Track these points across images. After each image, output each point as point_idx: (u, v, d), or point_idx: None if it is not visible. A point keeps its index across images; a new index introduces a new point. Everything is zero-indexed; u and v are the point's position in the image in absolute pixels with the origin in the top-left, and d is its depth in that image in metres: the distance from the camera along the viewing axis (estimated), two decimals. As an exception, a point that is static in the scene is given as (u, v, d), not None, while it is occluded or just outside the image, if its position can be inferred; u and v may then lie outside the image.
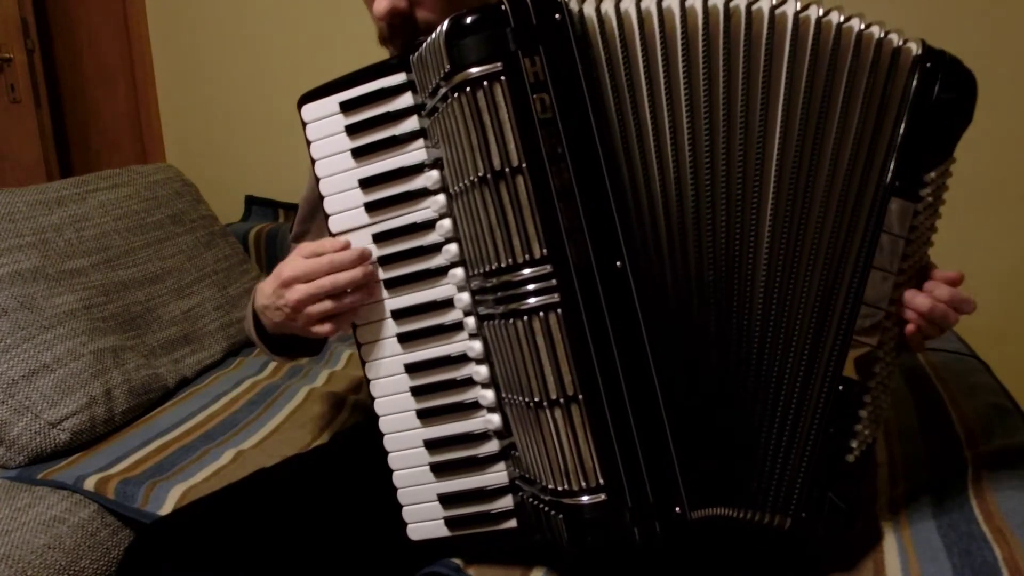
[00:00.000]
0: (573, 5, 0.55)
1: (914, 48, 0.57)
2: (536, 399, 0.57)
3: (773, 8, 0.56)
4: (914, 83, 0.57)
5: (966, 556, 0.61)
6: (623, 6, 0.55)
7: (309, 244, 0.65)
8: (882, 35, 0.57)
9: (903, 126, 0.57)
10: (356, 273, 0.62)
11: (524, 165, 0.54)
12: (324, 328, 0.65)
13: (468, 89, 0.54)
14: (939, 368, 1.06)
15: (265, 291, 0.69)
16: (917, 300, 0.59)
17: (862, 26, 0.56)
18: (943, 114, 0.58)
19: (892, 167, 0.58)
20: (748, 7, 0.56)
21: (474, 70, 0.54)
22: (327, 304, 0.63)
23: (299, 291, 0.64)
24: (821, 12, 0.56)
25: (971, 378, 1.01)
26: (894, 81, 0.57)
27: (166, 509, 0.84)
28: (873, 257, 0.58)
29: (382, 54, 0.72)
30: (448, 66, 0.55)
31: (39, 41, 1.71)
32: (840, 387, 0.59)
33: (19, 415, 0.95)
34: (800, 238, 0.58)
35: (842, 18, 0.56)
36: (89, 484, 0.88)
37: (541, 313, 0.55)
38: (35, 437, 0.95)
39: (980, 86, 0.58)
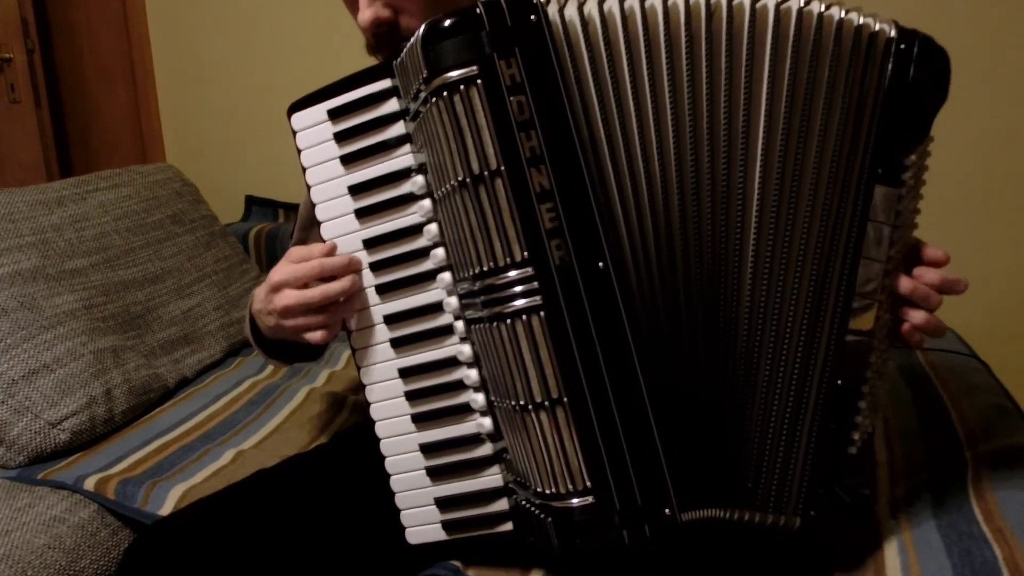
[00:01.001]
0: (550, 7, 0.54)
1: (888, 30, 0.56)
2: (522, 402, 0.56)
3: (754, 2, 0.55)
4: (890, 66, 0.56)
5: (966, 556, 0.61)
6: (605, 6, 0.55)
7: (298, 249, 0.65)
8: (860, 21, 0.56)
9: (881, 111, 0.57)
10: (346, 283, 0.62)
11: (502, 168, 0.54)
12: (315, 336, 0.65)
13: (445, 93, 0.54)
14: (939, 368, 1.05)
15: (259, 296, 0.70)
16: (899, 282, 0.59)
17: (842, 13, 0.56)
18: (920, 95, 0.57)
19: (873, 154, 0.57)
20: (729, 2, 0.55)
21: (451, 74, 0.53)
22: (319, 316, 0.64)
23: (288, 297, 0.64)
24: (802, 2, 0.55)
25: (971, 378, 1.01)
26: (872, 66, 0.56)
27: (166, 509, 0.84)
28: (862, 248, 0.57)
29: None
30: (426, 71, 0.55)
31: (39, 41, 1.71)
32: (839, 381, 0.58)
33: (19, 415, 0.95)
34: (788, 233, 0.57)
35: (823, 7, 0.55)
36: (89, 484, 0.88)
37: (524, 316, 0.55)
38: (35, 437, 0.95)
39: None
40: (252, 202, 1.75)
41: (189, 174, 1.52)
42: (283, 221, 1.69)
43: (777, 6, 0.55)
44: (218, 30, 1.77)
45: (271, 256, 1.57)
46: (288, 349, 0.78)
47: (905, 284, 0.58)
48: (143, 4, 1.82)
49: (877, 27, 0.56)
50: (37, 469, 0.94)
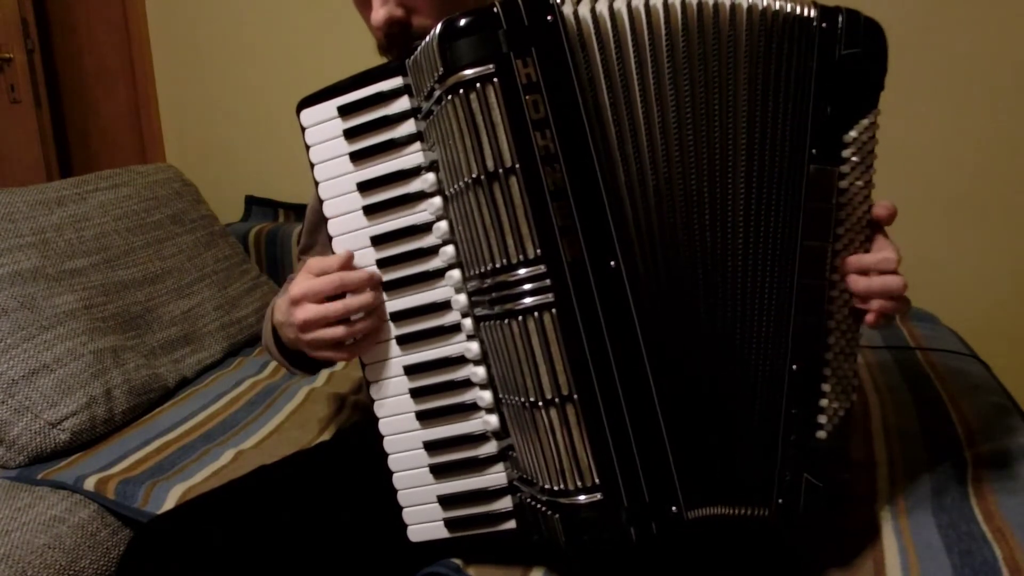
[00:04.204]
0: (566, 7, 0.55)
1: (808, 11, 0.57)
2: (531, 399, 0.57)
3: (734, 2, 0.56)
4: (815, 47, 0.57)
5: (966, 556, 0.61)
6: (615, 5, 0.56)
7: (316, 260, 0.65)
8: (797, 10, 0.57)
9: (812, 92, 0.57)
10: (367, 298, 0.62)
11: (517, 166, 0.54)
12: (333, 354, 0.65)
13: (461, 91, 0.54)
14: (939, 368, 1.06)
15: (280, 307, 0.70)
16: (858, 284, 0.58)
17: (788, 7, 0.57)
18: (851, 71, 0.57)
19: (808, 134, 0.57)
20: (715, 3, 0.56)
21: (467, 72, 0.54)
22: (339, 330, 0.63)
23: (308, 311, 0.63)
24: (764, 1, 0.56)
25: (971, 378, 1.01)
26: (804, 50, 0.57)
27: (166, 509, 0.84)
28: (799, 230, 0.58)
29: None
30: (441, 69, 0.55)
31: (39, 41, 1.71)
32: (793, 367, 0.59)
33: (19, 415, 0.95)
34: (761, 221, 0.58)
35: (776, 4, 0.56)
36: (89, 484, 0.88)
37: (535, 313, 0.55)
38: (35, 437, 0.95)
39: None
40: (252, 202, 1.75)
41: (189, 174, 1.52)
42: (283, 221, 1.69)
43: (750, 6, 0.56)
44: (218, 30, 1.77)
45: (271, 256, 1.57)
46: (310, 359, 0.78)
47: (859, 284, 0.58)
48: (143, 4, 1.81)
49: (803, 12, 0.57)
50: (37, 469, 0.94)
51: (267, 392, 1.15)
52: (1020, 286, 1.39)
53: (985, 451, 0.78)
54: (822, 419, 0.60)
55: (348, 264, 0.64)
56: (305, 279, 0.64)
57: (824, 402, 0.59)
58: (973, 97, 1.32)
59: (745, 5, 0.56)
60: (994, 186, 1.37)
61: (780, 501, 0.60)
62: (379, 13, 0.66)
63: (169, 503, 0.85)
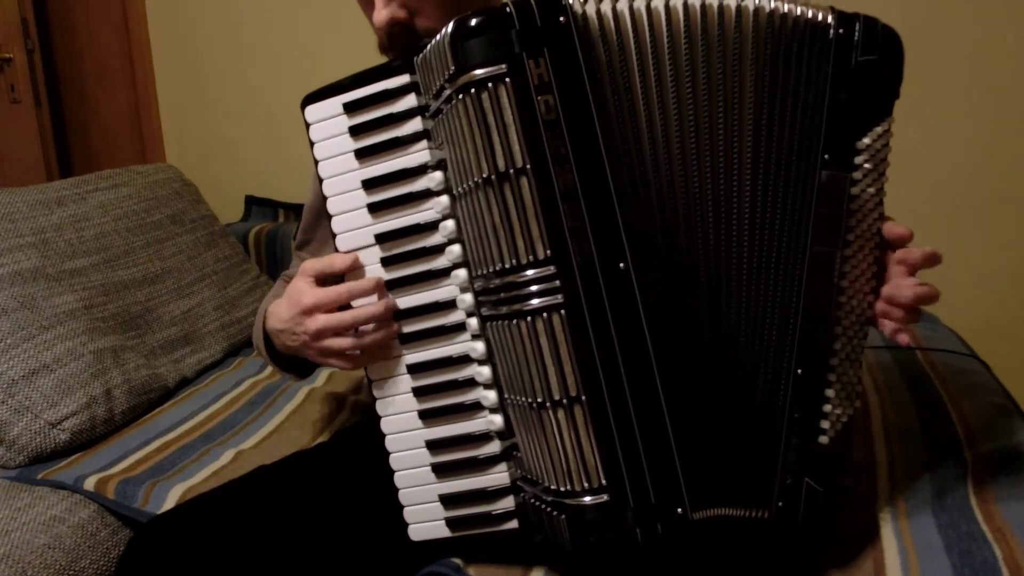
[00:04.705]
0: (577, 7, 0.55)
1: (826, 17, 0.57)
2: (539, 400, 0.57)
3: (739, 4, 0.56)
4: (831, 53, 0.57)
5: (966, 556, 0.61)
6: (636, 5, 0.56)
7: (314, 262, 0.65)
8: (811, 15, 0.57)
9: (826, 97, 0.57)
10: (378, 308, 0.62)
11: (528, 166, 0.54)
12: (340, 364, 0.65)
13: (473, 91, 0.54)
14: (939, 368, 1.06)
15: (281, 316, 0.68)
16: (903, 293, 0.57)
17: (799, 11, 0.57)
18: (867, 78, 0.57)
19: (822, 141, 0.57)
20: (720, 3, 0.56)
21: (479, 72, 0.54)
22: (346, 340, 0.63)
23: (320, 321, 0.63)
24: (771, 4, 0.57)
25: (971, 378, 1.01)
26: (817, 56, 0.57)
27: (166, 509, 0.84)
28: (808, 235, 0.58)
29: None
30: (452, 68, 0.55)
31: (39, 41, 1.71)
32: (799, 371, 0.59)
33: (19, 415, 0.95)
34: (767, 225, 0.58)
35: (787, 7, 0.57)
36: (89, 484, 0.88)
37: (544, 314, 0.55)
38: (35, 437, 0.95)
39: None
40: (252, 202, 1.75)
41: (189, 174, 1.52)
42: (283, 221, 1.69)
43: (756, 9, 0.56)
44: (218, 30, 1.77)
45: (271, 256, 1.57)
46: (304, 363, 0.78)
47: (907, 294, 0.57)
48: (143, 4, 1.81)
49: (820, 17, 0.57)
50: (37, 469, 0.93)
51: (267, 392, 1.15)
52: (1020, 286, 1.39)
53: (985, 451, 0.79)
54: (825, 424, 0.60)
55: (354, 267, 0.63)
56: (308, 286, 0.64)
57: (828, 407, 0.60)
58: (974, 97, 1.33)
59: (751, 8, 0.56)
60: (994, 186, 1.37)
61: (780, 504, 0.60)
62: (381, 14, 0.66)
63: (169, 503, 0.85)
